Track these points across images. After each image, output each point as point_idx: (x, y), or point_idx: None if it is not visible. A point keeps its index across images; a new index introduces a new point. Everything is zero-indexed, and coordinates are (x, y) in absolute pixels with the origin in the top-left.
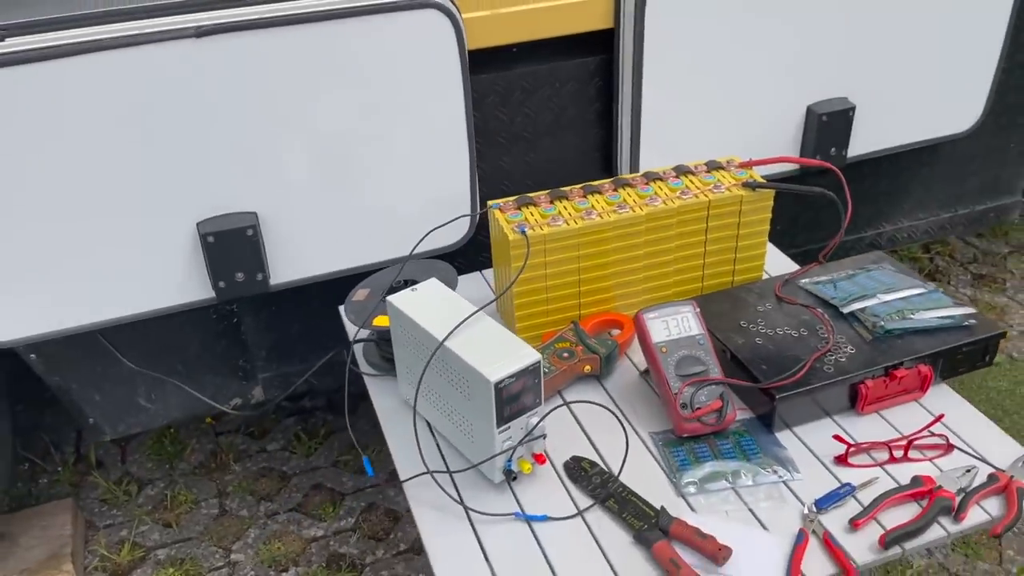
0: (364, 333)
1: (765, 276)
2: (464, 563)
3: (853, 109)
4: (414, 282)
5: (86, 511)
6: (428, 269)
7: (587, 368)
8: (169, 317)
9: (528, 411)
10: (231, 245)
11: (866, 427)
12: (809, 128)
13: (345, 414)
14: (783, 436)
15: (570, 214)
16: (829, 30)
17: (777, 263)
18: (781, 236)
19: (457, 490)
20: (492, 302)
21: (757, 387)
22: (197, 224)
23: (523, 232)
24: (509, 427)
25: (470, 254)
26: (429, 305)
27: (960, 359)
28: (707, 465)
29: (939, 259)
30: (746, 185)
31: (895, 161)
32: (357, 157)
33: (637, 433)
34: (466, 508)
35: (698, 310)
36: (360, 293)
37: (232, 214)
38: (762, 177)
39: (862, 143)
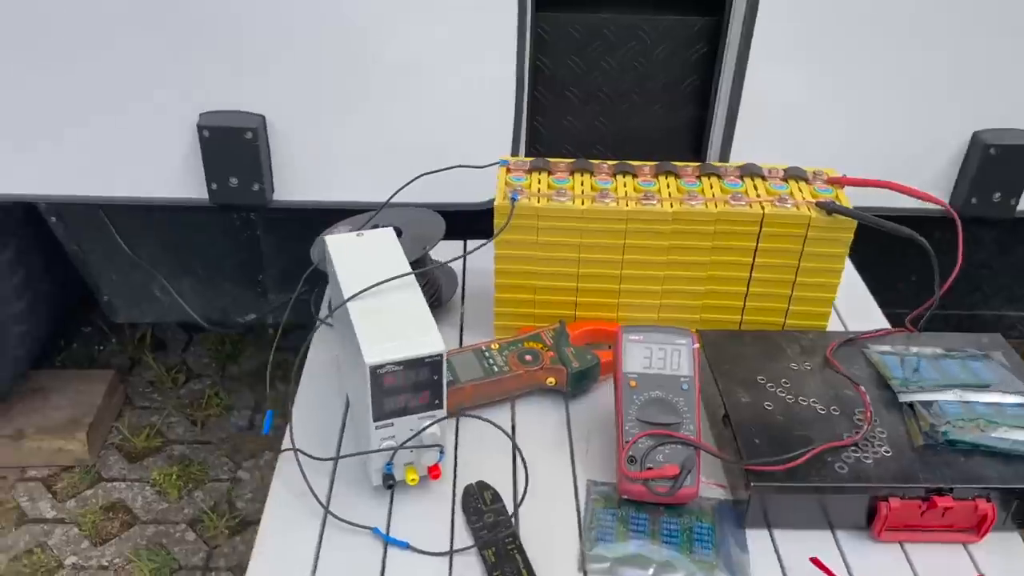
0: None
1: (838, 328)
2: (286, 570)
3: None
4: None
5: (131, 388)
6: (420, 218)
7: (550, 380)
8: (195, 216)
9: (420, 412)
10: (227, 145)
11: (878, 559)
12: (970, 160)
13: (268, 365)
14: (755, 535)
15: (583, 192)
16: None
17: (866, 318)
18: (912, 290)
19: (332, 481)
20: (430, 269)
21: (735, 464)
22: (200, 115)
23: (514, 199)
24: (392, 424)
25: None
26: (364, 256)
27: None
28: (633, 544)
29: None
30: (820, 205)
31: None
32: (388, 81)
33: (575, 476)
34: (324, 506)
35: (697, 346)
36: (340, 228)
37: (234, 112)
38: (853, 204)
39: None
